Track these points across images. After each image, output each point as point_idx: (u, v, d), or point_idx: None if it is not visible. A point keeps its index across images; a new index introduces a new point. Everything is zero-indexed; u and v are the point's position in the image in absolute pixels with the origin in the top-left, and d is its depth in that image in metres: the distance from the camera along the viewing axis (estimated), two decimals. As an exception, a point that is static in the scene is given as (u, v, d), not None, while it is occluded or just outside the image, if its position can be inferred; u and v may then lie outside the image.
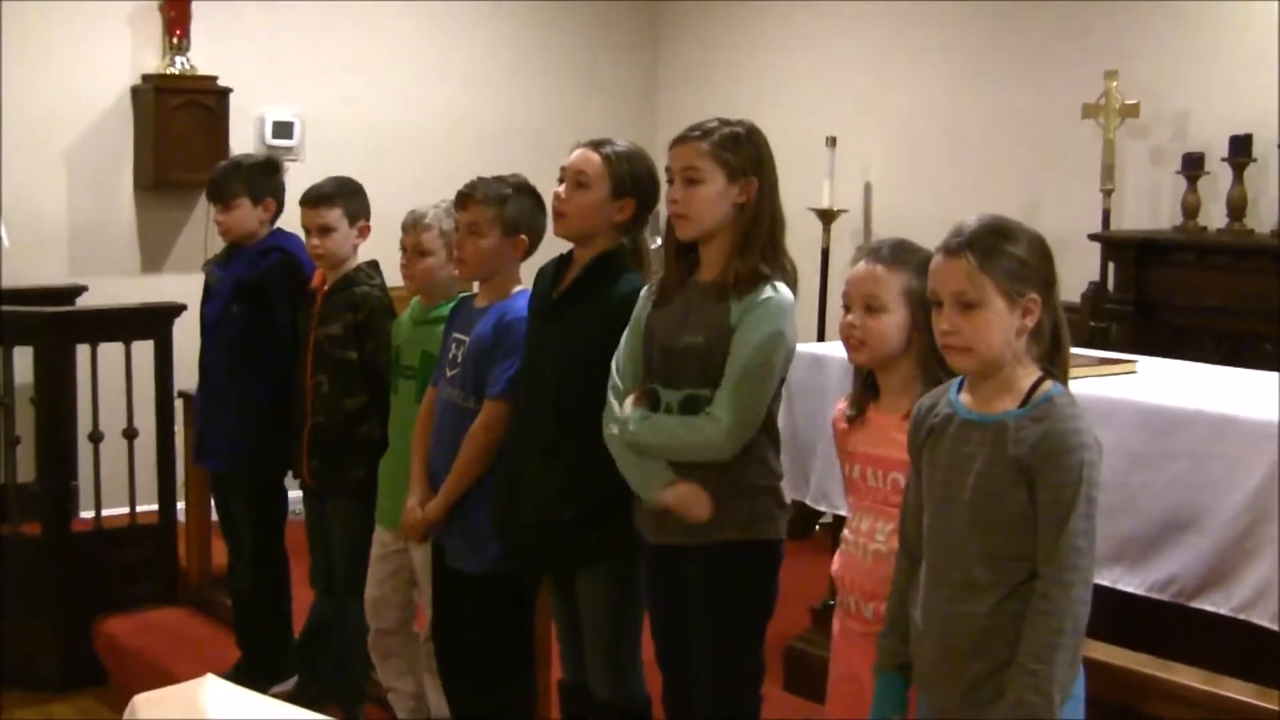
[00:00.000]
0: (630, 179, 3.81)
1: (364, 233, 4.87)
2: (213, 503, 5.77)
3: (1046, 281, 2.88)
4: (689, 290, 3.59)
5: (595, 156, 3.82)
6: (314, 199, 4.87)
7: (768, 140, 3.61)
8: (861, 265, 3.27)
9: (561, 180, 3.86)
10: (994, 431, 2.84)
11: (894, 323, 3.21)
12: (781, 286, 3.52)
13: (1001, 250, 2.83)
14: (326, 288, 4.86)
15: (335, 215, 4.80)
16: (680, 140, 3.57)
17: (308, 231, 4.89)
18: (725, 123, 3.56)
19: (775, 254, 3.54)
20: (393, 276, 4.81)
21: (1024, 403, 2.83)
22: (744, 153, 3.52)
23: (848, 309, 3.28)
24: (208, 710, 1.95)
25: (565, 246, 3.95)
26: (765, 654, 3.70)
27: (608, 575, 3.81)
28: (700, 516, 3.51)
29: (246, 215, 5.20)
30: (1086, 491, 2.77)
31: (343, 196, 4.84)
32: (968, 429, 2.88)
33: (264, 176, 5.24)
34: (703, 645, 3.61)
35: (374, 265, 4.90)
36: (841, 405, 3.40)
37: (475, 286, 4.35)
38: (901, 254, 3.25)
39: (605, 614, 3.84)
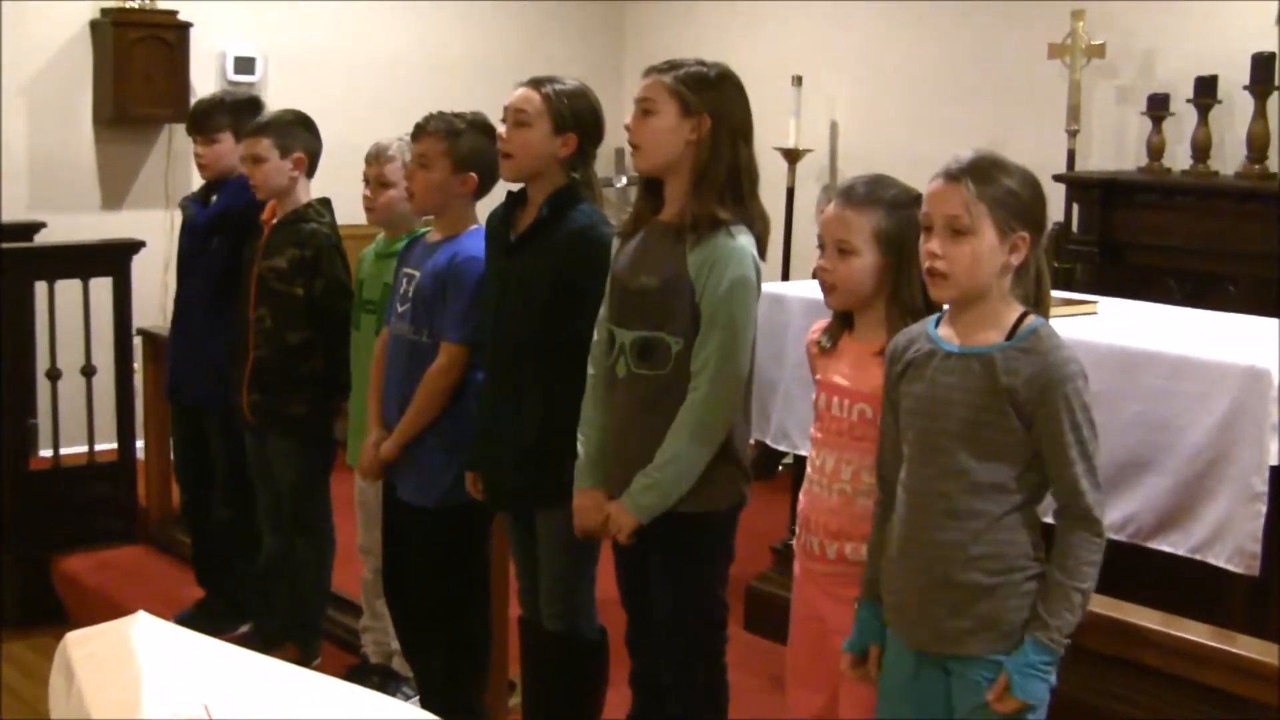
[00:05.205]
0: (571, 114, 3.79)
1: (299, 165, 4.78)
2: (172, 441, 5.71)
3: (1036, 223, 2.88)
4: (651, 230, 3.56)
5: (535, 94, 3.81)
6: (247, 129, 4.83)
7: (743, 90, 3.55)
8: (832, 207, 3.23)
9: (504, 120, 3.85)
10: (981, 363, 2.84)
11: (864, 265, 3.17)
12: (740, 233, 3.45)
13: (1000, 183, 2.83)
14: (275, 221, 4.80)
15: (264, 146, 4.74)
16: (646, 72, 3.55)
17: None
18: (700, 63, 3.53)
19: (740, 203, 3.48)
20: (346, 214, 4.76)
21: (1010, 336, 2.84)
22: (705, 93, 3.47)
23: (822, 250, 3.25)
24: (139, 648, 1.94)
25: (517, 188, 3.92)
26: (729, 594, 3.67)
27: (567, 514, 3.80)
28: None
29: (228, 150, 5.14)
30: (1085, 415, 2.81)
31: (275, 127, 4.78)
32: (951, 361, 2.88)
33: (248, 113, 5.14)
34: (663, 600, 3.60)
35: (325, 203, 4.85)
36: (817, 327, 3.35)
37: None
38: (874, 193, 3.20)
39: (562, 552, 3.84)
